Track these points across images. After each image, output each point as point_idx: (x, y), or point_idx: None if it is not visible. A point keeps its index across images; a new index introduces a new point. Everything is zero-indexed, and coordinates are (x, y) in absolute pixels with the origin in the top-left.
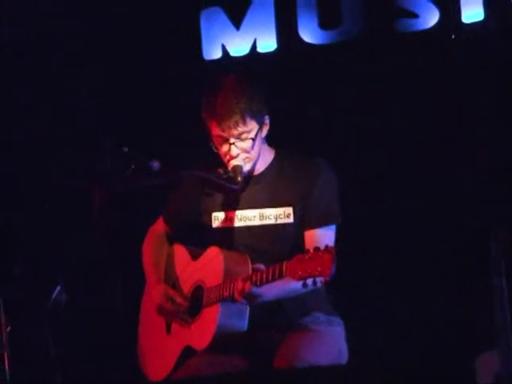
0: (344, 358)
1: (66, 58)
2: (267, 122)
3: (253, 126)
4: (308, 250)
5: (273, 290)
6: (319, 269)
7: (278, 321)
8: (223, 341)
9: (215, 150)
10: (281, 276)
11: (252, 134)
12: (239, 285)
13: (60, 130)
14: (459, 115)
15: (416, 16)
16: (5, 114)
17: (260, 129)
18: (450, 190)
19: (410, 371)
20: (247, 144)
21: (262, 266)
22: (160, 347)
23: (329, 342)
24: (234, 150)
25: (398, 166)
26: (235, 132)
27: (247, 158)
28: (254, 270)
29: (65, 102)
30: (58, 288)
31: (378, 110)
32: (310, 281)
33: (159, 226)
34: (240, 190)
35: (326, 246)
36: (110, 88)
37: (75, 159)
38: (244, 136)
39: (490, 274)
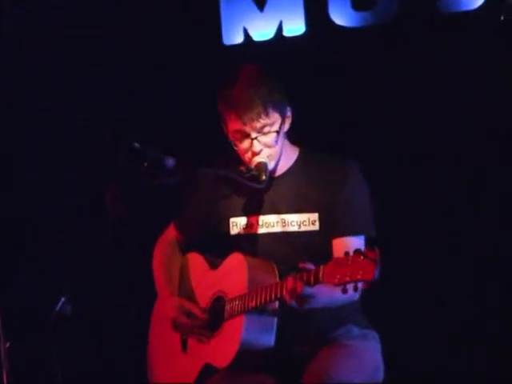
0: (380, 375)
1: (81, 56)
2: (289, 114)
3: (275, 117)
4: (347, 253)
5: (325, 292)
6: (361, 272)
7: (307, 334)
8: (247, 357)
9: (234, 147)
10: (316, 282)
11: (276, 127)
12: (289, 283)
13: (71, 128)
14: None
15: None
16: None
17: (283, 121)
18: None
19: None
20: (271, 138)
21: (311, 266)
22: (175, 367)
23: (363, 358)
24: (257, 146)
25: (438, 165)
26: (258, 125)
27: (270, 154)
28: (303, 269)
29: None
30: (62, 300)
31: (416, 100)
32: (350, 286)
33: (170, 234)
34: (263, 189)
35: (368, 247)
36: (122, 78)
37: (84, 161)
38: (267, 129)
39: None
